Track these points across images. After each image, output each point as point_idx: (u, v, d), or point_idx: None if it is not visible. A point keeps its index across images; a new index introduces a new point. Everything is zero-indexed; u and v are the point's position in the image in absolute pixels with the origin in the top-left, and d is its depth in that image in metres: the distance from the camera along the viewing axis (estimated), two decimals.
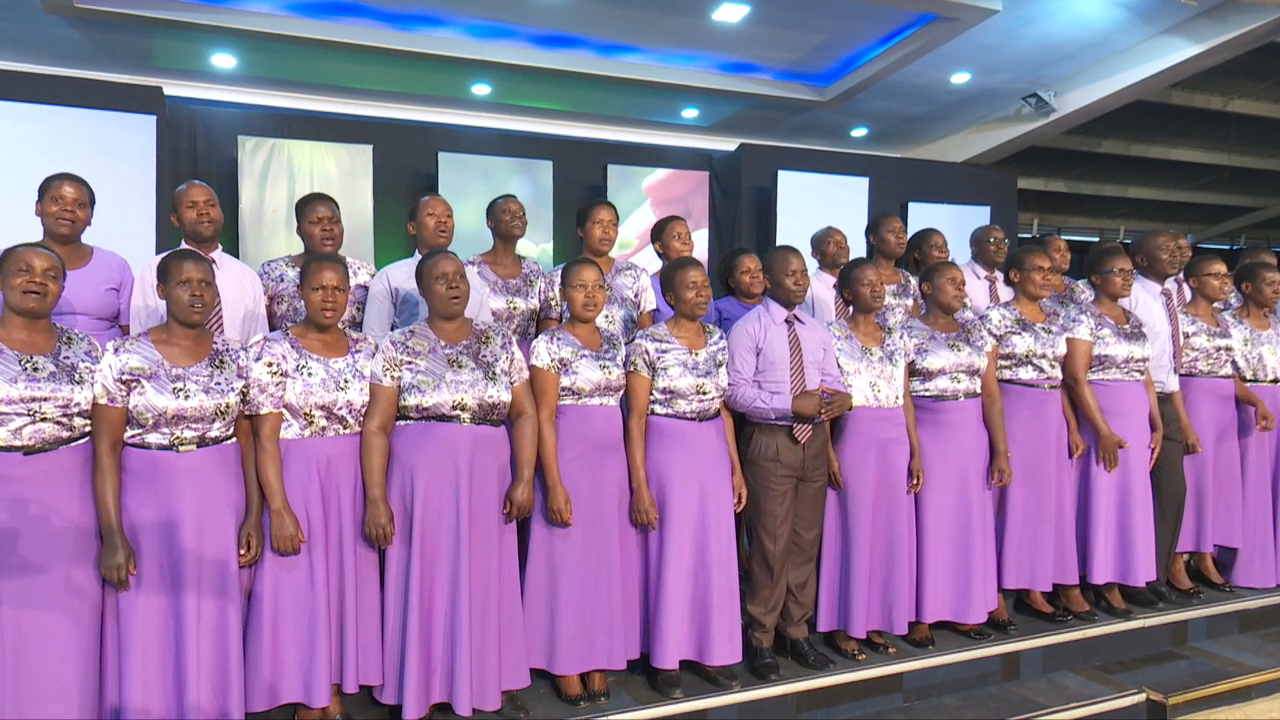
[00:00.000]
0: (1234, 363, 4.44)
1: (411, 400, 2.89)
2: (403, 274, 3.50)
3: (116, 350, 2.61)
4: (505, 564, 3.01)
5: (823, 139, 9.36)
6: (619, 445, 3.20)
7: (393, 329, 3.35)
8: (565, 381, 3.13)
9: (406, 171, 7.44)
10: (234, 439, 2.77)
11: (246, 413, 2.78)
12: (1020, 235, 11.02)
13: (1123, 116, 8.76)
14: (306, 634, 2.76)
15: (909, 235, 4.66)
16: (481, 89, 7.75)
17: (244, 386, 2.74)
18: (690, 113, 8.55)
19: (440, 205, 3.63)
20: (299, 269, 3.14)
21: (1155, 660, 3.96)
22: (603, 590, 3.12)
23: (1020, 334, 3.84)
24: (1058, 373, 3.90)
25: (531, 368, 3.13)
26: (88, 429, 2.58)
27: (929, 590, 3.59)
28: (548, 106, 8.27)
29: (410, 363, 2.91)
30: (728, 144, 8.97)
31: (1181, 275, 4.71)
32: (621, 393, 3.24)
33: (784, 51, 7.31)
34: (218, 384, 2.67)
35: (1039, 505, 3.82)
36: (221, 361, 2.72)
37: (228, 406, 2.68)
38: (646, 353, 3.23)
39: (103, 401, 2.57)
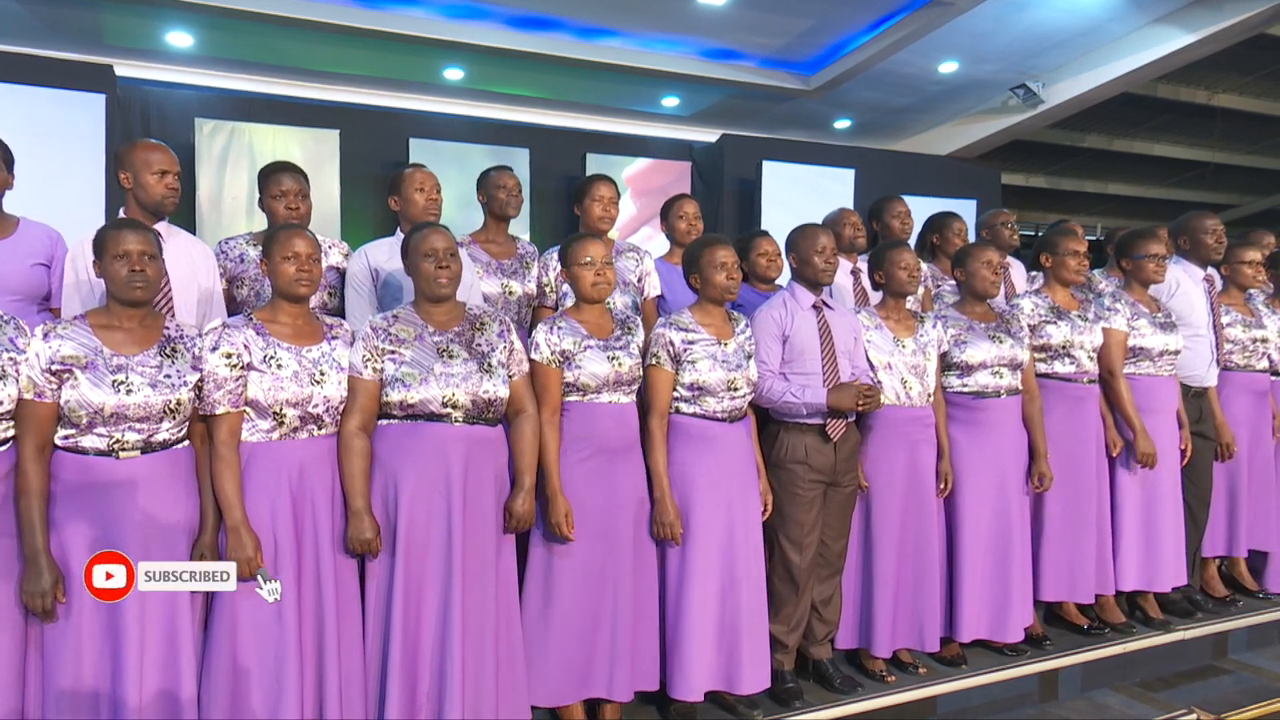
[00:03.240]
0: (1269, 356, 4.19)
1: (395, 395, 2.50)
2: (383, 253, 3.10)
3: (46, 335, 2.20)
4: (503, 584, 2.62)
5: (804, 130, 9.15)
6: (633, 449, 2.81)
7: None
8: (568, 376, 2.73)
9: (375, 159, 7.04)
10: (187, 443, 2.35)
11: (201, 412, 2.37)
12: None
13: (1107, 110, 8.68)
14: (272, 669, 2.35)
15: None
16: (454, 73, 7.45)
17: (199, 380, 2.33)
18: (671, 101, 8.30)
19: (430, 179, 3.22)
20: (261, 248, 2.70)
21: (1198, 675, 3.70)
22: (606, 612, 2.74)
23: (1055, 323, 3.53)
24: (1095, 366, 3.60)
25: (530, 362, 2.74)
26: (11, 434, 2.18)
27: (966, 605, 3.26)
28: (524, 93, 7.97)
29: (393, 352, 2.52)
30: (708, 135, 8.72)
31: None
32: (636, 387, 2.86)
33: (769, 37, 7.12)
34: (167, 376, 2.26)
35: (1078, 511, 3.51)
36: (174, 350, 2.31)
37: (179, 403, 2.26)
38: (671, 344, 2.85)
39: (28, 396, 2.16)
